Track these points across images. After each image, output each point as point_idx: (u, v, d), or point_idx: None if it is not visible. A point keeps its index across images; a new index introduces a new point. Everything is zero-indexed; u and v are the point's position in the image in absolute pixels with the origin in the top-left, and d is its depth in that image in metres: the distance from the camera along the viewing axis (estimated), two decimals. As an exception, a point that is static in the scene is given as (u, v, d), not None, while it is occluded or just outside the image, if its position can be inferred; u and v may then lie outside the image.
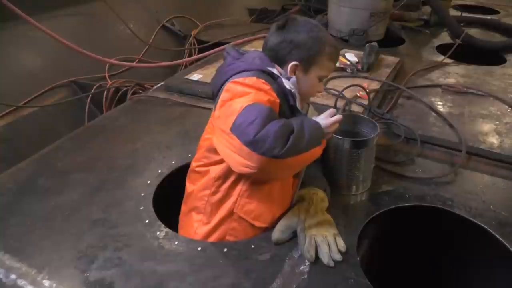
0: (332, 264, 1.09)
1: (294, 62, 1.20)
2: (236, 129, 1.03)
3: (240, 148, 1.02)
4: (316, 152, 1.11)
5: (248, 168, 1.03)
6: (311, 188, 1.24)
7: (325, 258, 1.09)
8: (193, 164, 1.30)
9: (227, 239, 1.21)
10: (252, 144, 1.00)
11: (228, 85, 1.14)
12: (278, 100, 1.12)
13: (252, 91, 1.09)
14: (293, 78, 1.20)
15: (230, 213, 1.19)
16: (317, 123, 1.13)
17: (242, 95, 1.09)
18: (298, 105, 1.19)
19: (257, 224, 1.19)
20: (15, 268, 1.10)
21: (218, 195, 1.20)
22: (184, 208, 1.31)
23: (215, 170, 1.20)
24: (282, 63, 1.22)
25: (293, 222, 1.16)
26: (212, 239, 1.21)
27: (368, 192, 1.40)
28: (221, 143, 1.10)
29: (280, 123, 1.03)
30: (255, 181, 1.18)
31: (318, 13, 3.41)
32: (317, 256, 1.11)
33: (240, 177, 1.17)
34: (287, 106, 1.18)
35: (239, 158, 1.04)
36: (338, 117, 1.17)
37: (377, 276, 1.17)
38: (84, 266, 1.10)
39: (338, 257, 1.10)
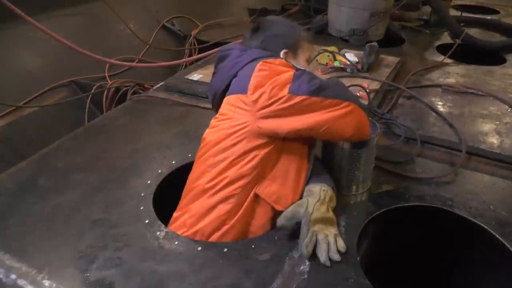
0: (328, 263, 1.08)
1: (284, 50, 1.39)
2: (297, 86, 1.15)
3: (316, 93, 1.15)
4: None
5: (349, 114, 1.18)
6: (322, 185, 1.24)
7: (322, 257, 1.09)
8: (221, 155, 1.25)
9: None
10: (322, 89, 1.16)
11: (261, 64, 1.22)
12: None
13: (289, 70, 1.23)
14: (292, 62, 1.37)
15: (256, 196, 1.21)
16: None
17: (282, 72, 1.20)
18: None
19: (277, 207, 1.20)
20: (15, 268, 1.10)
21: (253, 174, 1.20)
22: (205, 202, 1.25)
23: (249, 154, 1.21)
24: (275, 52, 1.37)
25: (299, 213, 1.15)
26: (236, 229, 1.21)
27: (368, 192, 1.40)
28: (306, 116, 1.16)
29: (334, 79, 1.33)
30: (274, 163, 1.22)
31: (318, 13, 3.41)
32: (314, 254, 1.11)
33: (262, 158, 1.20)
34: None
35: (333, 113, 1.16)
36: None
37: (377, 276, 1.17)
38: (84, 266, 1.10)
39: (336, 257, 1.10)
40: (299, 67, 1.33)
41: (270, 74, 1.18)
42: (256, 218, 1.23)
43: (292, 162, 1.24)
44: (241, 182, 1.21)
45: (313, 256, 1.12)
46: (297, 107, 1.14)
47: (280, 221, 1.15)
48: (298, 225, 1.15)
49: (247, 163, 1.20)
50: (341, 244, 1.13)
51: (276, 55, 1.37)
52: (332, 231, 1.15)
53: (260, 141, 1.20)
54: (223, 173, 1.23)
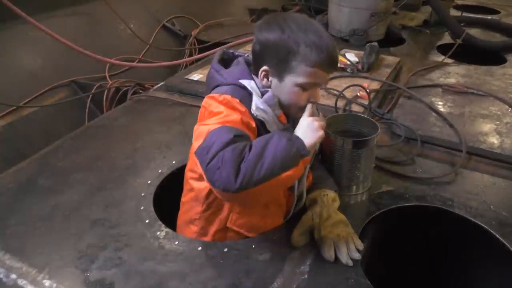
0: (351, 263, 1.08)
1: (263, 67, 1.07)
2: (199, 153, 0.97)
3: (204, 174, 0.95)
4: (296, 172, 0.96)
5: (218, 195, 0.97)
6: (321, 190, 1.23)
7: (343, 258, 1.09)
8: (187, 174, 1.25)
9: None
10: (207, 173, 0.93)
11: (204, 100, 1.09)
12: (253, 123, 1.05)
13: (224, 111, 1.01)
14: (269, 94, 1.08)
15: (225, 226, 1.18)
16: (291, 140, 0.96)
17: (214, 115, 1.02)
18: (272, 126, 1.08)
19: (251, 235, 1.19)
20: (15, 268, 1.10)
21: (210, 211, 1.18)
22: (182, 216, 1.29)
23: (204, 186, 1.15)
24: (258, 70, 1.10)
25: (309, 226, 1.16)
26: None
27: (368, 192, 1.40)
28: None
29: (235, 149, 0.91)
30: None
31: (318, 13, 3.41)
32: (313, 254, 1.11)
33: None
34: (264, 129, 1.08)
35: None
36: (321, 123, 1.05)
37: (377, 276, 1.17)
38: (85, 266, 1.10)
39: (356, 255, 1.09)
40: (258, 107, 1.04)
41: (201, 118, 1.06)
42: (230, 238, 1.20)
43: None
44: (198, 208, 1.19)
45: (314, 256, 1.12)
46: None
47: (294, 239, 1.15)
48: (312, 236, 1.16)
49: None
50: (358, 242, 1.13)
51: (254, 74, 1.12)
52: (346, 230, 1.15)
53: None
54: (187, 194, 1.24)
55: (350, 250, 1.10)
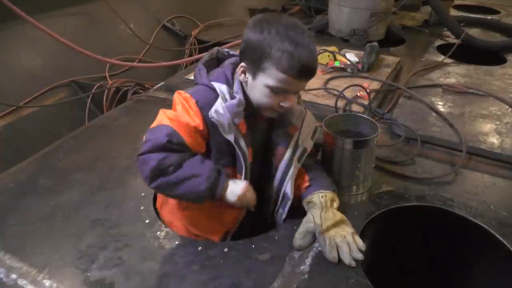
0: (354, 264, 1.08)
1: (242, 63, 1.11)
2: (143, 139, 1.10)
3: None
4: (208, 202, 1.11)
5: None
6: (319, 191, 1.23)
7: (346, 259, 1.09)
8: None
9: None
10: (137, 160, 1.09)
11: (175, 93, 1.16)
12: (201, 128, 1.09)
13: (179, 110, 1.11)
14: (234, 101, 1.09)
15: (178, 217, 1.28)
16: (211, 190, 1.07)
17: (173, 109, 1.14)
18: (228, 132, 1.10)
19: (196, 232, 1.26)
20: (15, 268, 1.10)
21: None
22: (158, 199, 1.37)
23: None
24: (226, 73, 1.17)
25: (310, 228, 1.16)
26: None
27: (368, 192, 1.40)
28: None
29: (161, 163, 1.03)
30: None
31: (319, 13, 3.41)
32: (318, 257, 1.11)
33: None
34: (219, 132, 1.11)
35: None
36: (251, 200, 1.15)
37: (377, 276, 1.17)
38: (85, 266, 1.10)
39: (359, 256, 1.09)
40: (216, 110, 1.07)
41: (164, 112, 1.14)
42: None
43: None
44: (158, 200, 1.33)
45: (314, 256, 1.12)
46: None
47: (296, 242, 1.15)
48: (314, 238, 1.16)
49: None
50: (360, 243, 1.12)
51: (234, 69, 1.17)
52: (347, 230, 1.15)
53: None
54: None
55: (353, 251, 1.10)
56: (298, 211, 1.25)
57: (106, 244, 1.17)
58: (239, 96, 1.11)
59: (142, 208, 1.32)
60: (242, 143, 1.14)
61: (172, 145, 1.06)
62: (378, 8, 2.81)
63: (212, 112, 1.08)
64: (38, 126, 2.20)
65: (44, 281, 1.06)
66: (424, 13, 3.57)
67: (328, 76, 2.21)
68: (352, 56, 2.38)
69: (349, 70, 2.26)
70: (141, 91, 2.40)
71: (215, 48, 1.27)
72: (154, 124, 1.11)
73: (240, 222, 1.28)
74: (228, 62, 1.20)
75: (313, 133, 1.27)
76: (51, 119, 2.27)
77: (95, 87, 2.42)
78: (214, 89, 1.12)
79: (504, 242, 1.21)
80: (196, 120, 1.09)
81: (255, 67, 1.08)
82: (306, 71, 1.06)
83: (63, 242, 1.19)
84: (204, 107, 1.10)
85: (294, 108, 1.21)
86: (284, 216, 1.25)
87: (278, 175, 1.23)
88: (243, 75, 1.12)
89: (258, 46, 1.05)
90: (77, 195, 1.37)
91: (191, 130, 1.09)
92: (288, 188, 1.22)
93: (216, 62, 1.25)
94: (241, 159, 1.15)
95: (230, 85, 1.14)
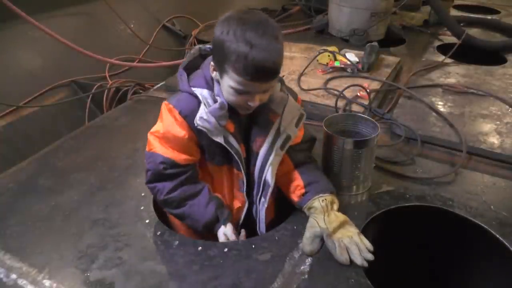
0: (366, 264, 1.08)
1: (211, 63, 1.11)
2: (146, 158, 1.20)
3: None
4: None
5: None
6: (319, 196, 1.22)
7: (358, 260, 1.08)
8: None
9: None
10: (147, 184, 1.22)
11: (162, 103, 1.19)
12: (187, 136, 1.14)
13: (164, 124, 1.16)
14: (215, 105, 1.10)
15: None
16: (201, 228, 1.20)
17: (160, 120, 1.19)
18: (217, 135, 1.13)
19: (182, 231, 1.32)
20: (15, 268, 1.10)
21: None
22: None
23: None
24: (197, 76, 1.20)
25: (316, 232, 1.15)
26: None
27: (368, 192, 1.40)
28: None
29: (166, 196, 1.16)
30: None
31: (319, 13, 3.41)
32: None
33: None
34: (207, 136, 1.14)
35: None
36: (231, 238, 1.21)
37: (377, 276, 1.17)
38: (85, 266, 1.10)
39: (369, 256, 1.09)
40: (201, 117, 1.09)
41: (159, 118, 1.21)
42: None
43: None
44: None
45: (314, 256, 1.12)
46: None
47: (306, 248, 1.14)
48: (322, 242, 1.15)
49: None
50: (367, 243, 1.12)
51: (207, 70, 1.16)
52: (352, 230, 1.15)
53: None
54: None
55: (362, 251, 1.10)
56: (297, 210, 1.25)
57: (106, 244, 1.17)
58: (220, 99, 1.11)
59: (142, 208, 1.32)
60: (233, 141, 1.15)
61: (169, 169, 1.16)
62: (378, 8, 2.81)
63: (197, 120, 1.10)
64: (38, 126, 2.20)
65: (44, 281, 1.06)
66: (424, 13, 3.57)
67: (328, 76, 2.21)
68: (352, 56, 2.38)
69: (349, 70, 2.26)
70: (141, 91, 2.40)
71: (197, 47, 1.25)
72: (148, 148, 1.19)
73: (239, 226, 1.29)
74: (208, 60, 1.18)
75: (298, 120, 1.23)
76: (51, 119, 2.27)
77: (95, 87, 2.42)
78: (196, 96, 1.13)
79: (504, 242, 1.21)
80: (182, 131, 1.14)
81: (220, 68, 1.07)
82: (262, 73, 1.01)
83: (63, 242, 1.19)
84: (188, 115, 1.13)
85: (275, 95, 1.18)
86: (266, 205, 1.24)
87: (258, 162, 1.22)
88: (215, 72, 1.11)
89: (219, 47, 1.03)
90: (77, 195, 1.37)
91: (181, 141, 1.15)
92: (268, 175, 1.21)
93: (200, 60, 1.23)
94: (235, 157, 1.17)
95: (210, 87, 1.15)
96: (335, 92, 1.97)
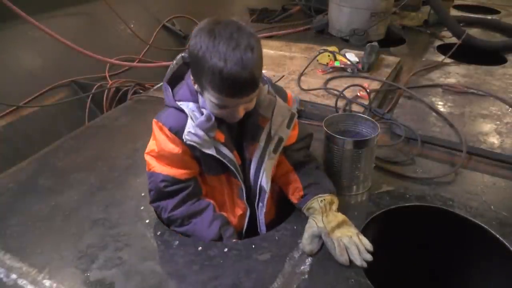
0: (365, 265, 1.07)
1: (191, 76, 1.09)
2: (147, 178, 1.20)
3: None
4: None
5: None
6: (318, 196, 1.21)
7: (357, 261, 1.08)
8: None
9: None
10: (151, 203, 1.23)
11: (153, 121, 1.18)
12: (181, 152, 1.13)
13: (157, 142, 1.15)
14: (202, 118, 1.08)
15: None
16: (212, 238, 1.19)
17: (153, 139, 1.17)
18: (208, 147, 1.11)
19: None
20: (15, 268, 1.10)
21: None
22: None
23: None
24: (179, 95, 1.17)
25: (314, 232, 1.15)
26: None
27: (368, 192, 1.40)
28: None
29: (170, 214, 1.17)
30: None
31: (319, 13, 3.41)
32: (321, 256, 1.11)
33: None
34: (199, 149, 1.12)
35: None
36: None
37: (377, 276, 1.17)
38: (85, 266, 1.10)
39: (368, 256, 1.09)
40: (189, 131, 1.08)
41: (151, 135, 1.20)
42: None
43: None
44: None
45: (314, 256, 1.12)
46: None
47: (306, 248, 1.14)
48: (322, 241, 1.15)
49: None
50: (367, 243, 1.12)
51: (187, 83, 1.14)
52: (351, 230, 1.15)
53: None
54: None
55: (361, 252, 1.09)
56: (297, 210, 1.25)
57: (106, 244, 1.17)
58: (206, 111, 1.10)
59: (142, 208, 1.32)
60: (226, 151, 1.14)
61: (170, 186, 1.16)
62: (378, 8, 2.81)
63: (185, 135, 1.09)
64: (38, 126, 2.20)
65: (44, 281, 1.06)
66: (424, 13, 3.57)
67: (328, 76, 2.21)
68: (352, 56, 2.38)
69: (349, 70, 2.26)
70: (141, 91, 2.40)
71: (179, 56, 1.18)
72: (147, 169, 1.20)
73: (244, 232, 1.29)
74: (190, 71, 1.13)
75: (289, 121, 1.20)
76: (51, 119, 2.27)
77: (95, 87, 2.42)
78: (182, 110, 1.11)
79: (504, 242, 1.21)
80: (176, 147, 1.13)
81: (199, 83, 1.04)
82: (239, 88, 0.98)
83: (63, 242, 1.19)
84: (179, 131, 1.11)
85: (262, 98, 1.15)
86: (264, 209, 1.24)
87: (252, 170, 1.21)
88: (196, 85, 1.08)
89: (195, 63, 1.01)
90: (77, 195, 1.38)
91: (177, 156, 1.14)
92: (263, 181, 1.21)
93: (186, 68, 1.17)
94: (230, 166, 1.15)
95: (196, 99, 1.13)
96: (335, 92, 1.97)
